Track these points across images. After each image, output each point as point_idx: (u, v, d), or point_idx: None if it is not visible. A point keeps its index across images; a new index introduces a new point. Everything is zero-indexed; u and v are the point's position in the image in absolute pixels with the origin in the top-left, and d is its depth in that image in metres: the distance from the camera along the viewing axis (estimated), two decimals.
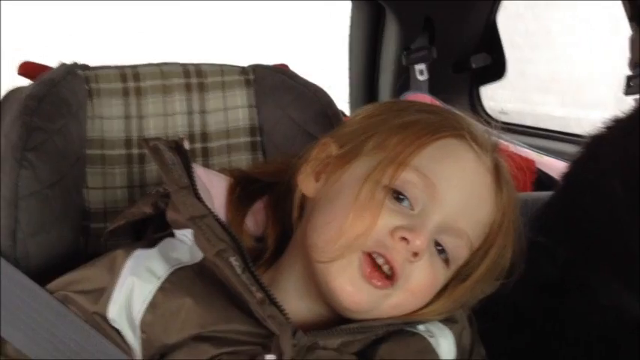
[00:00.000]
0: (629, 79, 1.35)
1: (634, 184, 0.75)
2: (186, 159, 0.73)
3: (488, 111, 1.91)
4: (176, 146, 0.74)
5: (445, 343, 0.72)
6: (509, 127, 1.83)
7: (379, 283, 0.68)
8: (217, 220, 0.70)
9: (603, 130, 0.81)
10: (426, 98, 1.75)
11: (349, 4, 1.91)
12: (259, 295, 0.67)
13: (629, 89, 1.35)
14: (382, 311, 0.70)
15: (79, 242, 0.85)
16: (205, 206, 0.70)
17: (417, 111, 0.75)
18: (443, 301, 0.72)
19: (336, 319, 0.71)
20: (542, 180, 1.35)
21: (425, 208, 0.69)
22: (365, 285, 0.68)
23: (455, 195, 0.70)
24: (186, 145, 0.75)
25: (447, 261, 0.71)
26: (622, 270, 0.75)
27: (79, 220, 0.86)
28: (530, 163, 1.43)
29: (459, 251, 0.71)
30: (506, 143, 1.54)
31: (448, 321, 0.74)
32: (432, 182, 0.69)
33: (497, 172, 0.73)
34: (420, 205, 0.69)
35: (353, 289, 0.68)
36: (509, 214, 0.73)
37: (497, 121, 1.89)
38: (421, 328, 0.73)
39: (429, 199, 0.69)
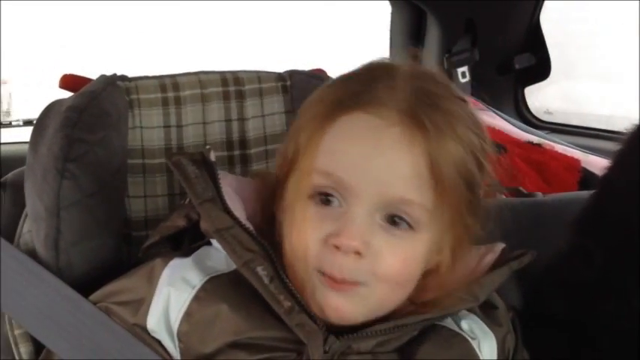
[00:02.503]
0: None
1: None
2: (212, 170, 0.73)
3: (533, 111, 1.88)
4: (202, 158, 0.74)
5: (487, 347, 0.71)
6: (555, 127, 1.79)
7: (348, 287, 0.66)
8: (245, 229, 0.69)
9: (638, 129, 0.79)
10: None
11: (388, 7, 1.90)
12: (287, 303, 0.66)
13: None
14: (384, 307, 0.68)
15: (122, 250, 0.87)
16: (232, 217, 0.70)
17: (313, 104, 0.71)
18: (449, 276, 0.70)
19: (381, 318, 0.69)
20: (587, 179, 1.32)
21: (347, 201, 0.66)
22: (338, 295, 0.66)
23: (365, 174, 0.65)
24: (212, 156, 0.74)
25: (410, 226, 0.66)
26: None
27: (121, 229, 0.87)
28: (575, 162, 1.40)
29: (412, 211, 0.65)
30: (551, 144, 1.52)
31: (493, 324, 0.72)
32: (338, 177, 0.65)
33: (410, 113, 0.65)
34: (344, 199, 0.66)
35: (333, 305, 0.66)
36: (448, 147, 0.65)
37: (542, 121, 1.86)
38: (465, 327, 0.71)
39: (345, 192, 0.66)
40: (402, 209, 0.66)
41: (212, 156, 0.74)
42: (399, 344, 0.69)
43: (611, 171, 0.81)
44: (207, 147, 0.76)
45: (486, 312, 0.73)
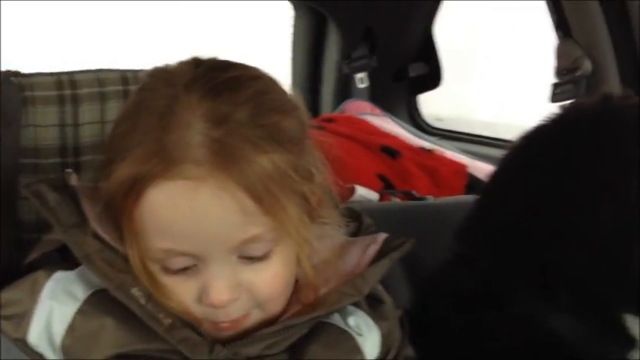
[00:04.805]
0: (555, 86, 1.41)
1: (542, 198, 0.77)
2: (75, 194, 0.69)
3: (425, 118, 1.96)
4: (63, 183, 0.71)
5: (371, 342, 0.73)
6: (445, 133, 1.88)
7: (239, 323, 0.67)
8: (117, 251, 0.67)
9: (518, 142, 0.84)
10: (366, 106, 1.78)
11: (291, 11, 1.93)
12: (168, 321, 0.65)
13: (555, 97, 1.40)
14: (274, 314, 0.69)
15: (13, 254, 0.84)
16: (102, 240, 0.67)
17: (112, 176, 0.64)
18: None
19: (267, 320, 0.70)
20: (473, 184, 1.40)
21: (199, 260, 0.65)
22: (226, 333, 0.68)
23: (200, 238, 0.63)
24: (74, 179, 0.71)
25: (264, 255, 0.66)
26: (535, 281, 0.77)
27: (12, 232, 0.85)
28: (462, 167, 1.48)
29: (259, 244, 0.65)
30: (441, 149, 1.60)
31: (378, 318, 0.74)
32: (178, 250, 0.64)
33: (209, 159, 0.62)
34: (195, 259, 0.65)
35: (228, 334, 0.68)
36: (254, 167, 0.62)
37: (433, 127, 1.95)
38: (352, 323, 0.72)
39: (192, 255, 0.64)
40: (249, 247, 0.65)
41: (73, 180, 0.71)
42: (288, 344, 0.69)
43: (493, 180, 0.86)
44: (68, 170, 0.73)
45: (373, 306, 0.75)
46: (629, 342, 0.77)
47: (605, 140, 0.77)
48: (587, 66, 1.37)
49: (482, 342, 0.78)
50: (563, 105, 0.86)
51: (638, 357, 0.77)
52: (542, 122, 0.83)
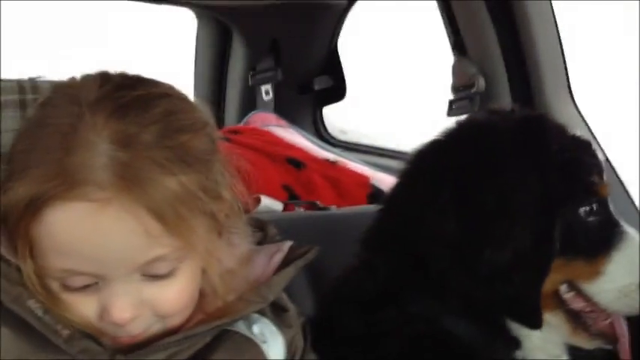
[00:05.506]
0: (451, 102, 1.49)
1: (438, 207, 0.80)
2: None
3: (330, 130, 2.00)
4: None
5: (275, 349, 0.74)
6: (348, 145, 1.93)
7: (141, 336, 0.67)
8: (12, 263, 0.65)
9: (414, 156, 0.88)
10: (271, 118, 1.80)
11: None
12: (66, 332, 0.64)
13: (452, 112, 1.48)
14: (175, 324, 0.69)
15: None
16: None
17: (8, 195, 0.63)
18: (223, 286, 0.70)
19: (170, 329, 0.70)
20: (375, 194, 1.44)
21: (100, 279, 0.65)
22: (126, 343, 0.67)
23: (103, 260, 0.63)
24: None
25: (169, 272, 0.66)
26: (427, 286, 0.81)
27: None
28: (365, 178, 1.52)
29: (163, 263, 0.65)
30: (345, 161, 1.64)
31: (283, 325, 0.75)
32: (80, 271, 0.63)
33: (112, 182, 0.61)
34: (96, 277, 0.65)
35: (127, 342, 0.67)
36: (159, 189, 0.62)
37: (337, 140, 2.00)
38: (256, 330, 0.73)
39: (93, 275, 0.64)
40: (153, 266, 0.65)
41: None
42: (192, 352, 0.69)
43: (394, 190, 0.90)
44: None
45: (277, 314, 0.76)
46: (514, 342, 0.82)
47: (486, 153, 0.81)
48: (481, 83, 1.45)
49: (381, 341, 0.81)
50: (457, 120, 0.91)
51: (523, 356, 0.82)
52: (436, 136, 0.87)
